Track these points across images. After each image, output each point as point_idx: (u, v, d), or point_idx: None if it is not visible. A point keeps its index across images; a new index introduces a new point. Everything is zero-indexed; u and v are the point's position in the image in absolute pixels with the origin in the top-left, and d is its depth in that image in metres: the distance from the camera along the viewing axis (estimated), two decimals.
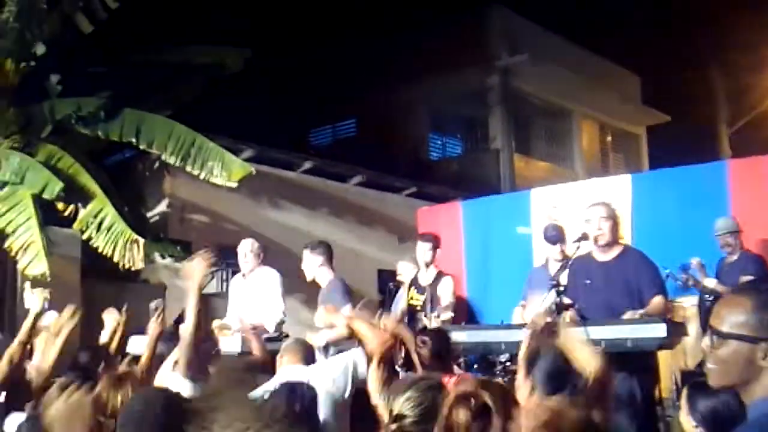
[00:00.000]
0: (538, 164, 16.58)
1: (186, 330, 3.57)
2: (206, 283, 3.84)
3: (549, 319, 3.99)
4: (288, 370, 3.84)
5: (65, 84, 9.27)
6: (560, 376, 3.19)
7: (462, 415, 2.22)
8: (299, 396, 3.11)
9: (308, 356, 4.07)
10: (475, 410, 2.22)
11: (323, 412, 3.57)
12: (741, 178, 6.40)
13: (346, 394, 3.78)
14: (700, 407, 2.79)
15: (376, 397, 3.33)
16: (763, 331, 1.75)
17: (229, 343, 5.67)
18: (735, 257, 5.93)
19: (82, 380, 3.40)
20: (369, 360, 3.71)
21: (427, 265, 6.48)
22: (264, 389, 3.46)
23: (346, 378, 3.77)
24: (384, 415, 2.98)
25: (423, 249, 6.50)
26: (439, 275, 6.44)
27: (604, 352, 4.27)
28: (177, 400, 2.58)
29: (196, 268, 3.69)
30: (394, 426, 2.55)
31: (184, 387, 3.44)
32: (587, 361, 3.24)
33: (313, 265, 5.89)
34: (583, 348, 3.36)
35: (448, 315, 6.09)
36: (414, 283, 6.56)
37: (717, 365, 1.82)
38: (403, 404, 2.57)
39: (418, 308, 6.33)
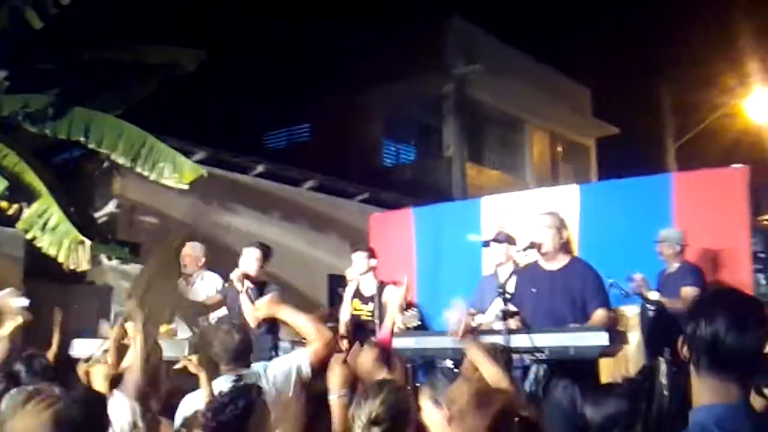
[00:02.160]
0: (490, 173, 16.77)
1: (135, 362, 3.53)
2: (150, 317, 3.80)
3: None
4: (230, 377, 3.80)
5: (12, 80, 9.06)
6: None
7: None
8: (247, 396, 3.10)
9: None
10: None
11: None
12: (685, 191, 6.56)
13: (293, 393, 3.78)
14: (601, 409, 3.02)
15: (334, 395, 3.35)
16: (686, 341, 1.84)
17: (174, 348, 5.63)
18: (674, 269, 6.08)
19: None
20: (314, 358, 3.72)
21: (363, 274, 6.53)
22: (216, 388, 3.45)
23: (290, 379, 3.76)
24: (339, 412, 3.01)
25: (359, 259, 6.56)
26: (382, 285, 6.49)
27: (548, 358, 4.39)
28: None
29: (132, 310, 3.67)
30: (375, 429, 2.60)
31: (125, 407, 3.42)
32: (495, 379, 3.38)
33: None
34: (488, 365, 3.50)
35: (415, 322, 6.16)
36: (356, 294, 6.60)
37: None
38: (379, 407, 2.61)
39: (365, 317, 6.38)
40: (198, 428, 2.86)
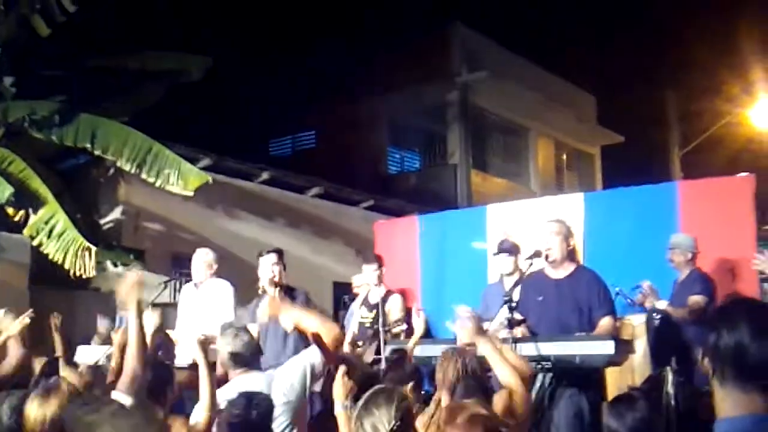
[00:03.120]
0: (495, 180, 16.77)
1: (131, 351, 3.49)
2: (143, 300, 3.76)
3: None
4: (244, 378, 3.80)
5: (19, 86, 9.11)
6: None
7: None
8: (255, 406, 3.11)
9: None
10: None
11: (283, 419, 3.57)
12: (691, 198, 6.54)
13: (306, 396, 3.79)
14: (625, 420, 3.01)
15: (339, 406, 3.34)
16: (705, 347, 1.82)
17: (179, 355, 5.63)
18: (685, 276, 6.03)
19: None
20: (324, 356, 3.71)
21: (377, 285, 6.58)
22: (222, 398, 3.45)
23: (305, 381, 3.75)
24: (346, 423, 3.01)
25: (369, 271, 6.60)
26: (388, 293, 6.53)
27: (554, 367, 4.38)
28: None
29: (130, 287, 3.61)
30: None
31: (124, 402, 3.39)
32: (507, 377, 3.47)
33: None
34: (500, 364, 3.57)
35: (399, 328, 6.15)
36: (364, 302, 6.66)
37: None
38: (394, 415, 2.62)
39: (366, 325, 6.41)
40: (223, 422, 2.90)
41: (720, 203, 6.33)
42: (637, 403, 3.14)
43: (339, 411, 3.34)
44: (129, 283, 3.55)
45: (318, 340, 3.70)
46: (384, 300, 6.41)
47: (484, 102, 16.18)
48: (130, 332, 3.50)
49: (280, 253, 6.02)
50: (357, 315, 6.66)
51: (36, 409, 3.00)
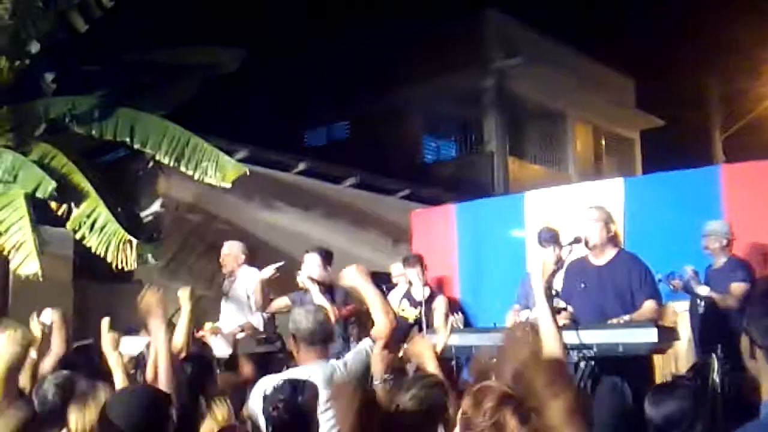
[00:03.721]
0: (532, 167, 16.61)
1: (162, 366, 3.53)
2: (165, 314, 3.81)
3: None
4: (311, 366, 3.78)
5: (59, 83, 9.24)
6: None
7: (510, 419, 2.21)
8: (299, 393, 3.10)
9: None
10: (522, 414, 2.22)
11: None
12: (734, 183, 6.42)
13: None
14: (662, 408, 2.99)
15: (378, 381, 3.33)
16: (749, 327, 1.79)
17: (218, 346, 5.71)
18: (721, 263, 5.93)
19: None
20: (381, 338, 3.69)
21: (421, 284, 6.63)
22: (267, 385, 3.46)
23: (364, 364, 3.74)
24: (383, 399, 3.00)
25: (413, 274, 6.65)
26: (432, 294, 6.58)
27: (596, 356, 4.33)
28: (162, 399, 2.61)
29: (151, 303, 3.68)
30: (397, 420, 2.59)
31: None
32: (556, 343, 3.36)
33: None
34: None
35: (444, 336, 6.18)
36: (407, 295, 6.67)
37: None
38: (409, 401, 2.60)
39: (410, 321, 6.45)
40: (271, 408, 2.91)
41: (765, 186, 6.20)
42: (677, 391, 3.09)
43: (378, 384, 3.33)
44: (150, 302, 3.63)
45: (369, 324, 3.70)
46: (429, 301, 6.47)
47: (520, 88, 16.01)
48: (159, 349, 3.57)
49: (326, 254, 6.12)
50: (396, 306, 6.67)
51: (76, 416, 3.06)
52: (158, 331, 3.62)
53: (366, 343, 3.80)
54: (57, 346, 4.64)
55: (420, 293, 6.52)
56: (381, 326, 3.74)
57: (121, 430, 2.45)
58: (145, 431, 2.49)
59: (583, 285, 4.78)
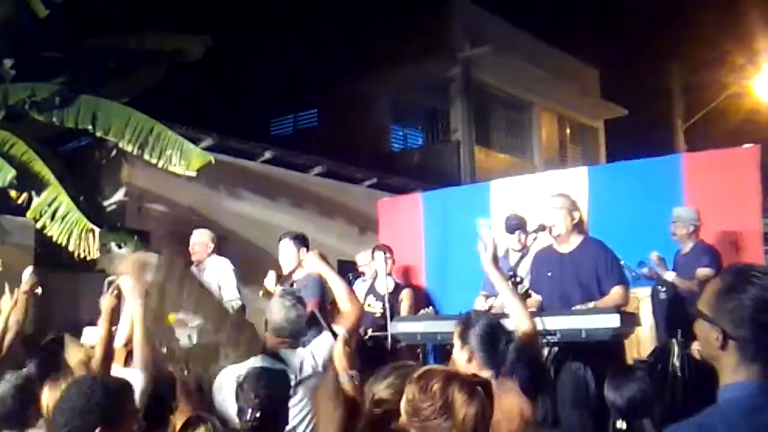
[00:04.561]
0: (498, 156, 16.71)
1: (138, 333, 3.48)
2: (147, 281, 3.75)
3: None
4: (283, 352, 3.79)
5: (19, 69, 9.06)
6: (494, 339, 3.25)
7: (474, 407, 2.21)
8: (275, 381, 3.10)
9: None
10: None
11: (301, 395, 3.58)
12: (696, 171, 6.51)
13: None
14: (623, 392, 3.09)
15: (343, 378, 3.33)
16: (719, 318, 1.80)
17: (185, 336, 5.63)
18: (689, 248, 6.03)
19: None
20: (348, 328, 3.68)
21: (385, 275, 6.56)
22: (234, 373, 3.44)
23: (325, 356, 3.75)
24: (350, 394, 2.99)
25: (380, 259, 6.58)
26: (398, 286, 6.54)
27: (560, 341, 4.38)
28: (116, 387, 2.58)
29: (130, 268, 3.58)
30: (377, 410, 2.57)
31: (137, 379, 3.39)
32: (524, 319, 3.39)
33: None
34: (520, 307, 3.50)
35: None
36: (371, 290, 6.64)
37: (698, 341, 1.91)
38: (385, 390, 2.60)
39: (377, 314, 6.41)
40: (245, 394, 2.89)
41: (725, 175, 6.30)
42: (634, 374, 3.14)
43: (345, 382, 3.33)
44: (134, 265, 3.56)
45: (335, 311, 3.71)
46: (394, 294, 6.43)
47: (486, 77, 16.08)
48: (135, 314, 3.50)
49: (299, 239, 5.92)
50: (362, 300, 6.65)
51: (49, 395, 3.03)
52: (135, 300, 3.52)
53: (328, 334, 3.80)
54: (16, 322, 4.57)
55: (384, 286, 6.49)
56: (347, 312, 3.75)
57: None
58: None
59: (550, 273, 4.83)
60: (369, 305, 6.55)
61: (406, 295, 6.59)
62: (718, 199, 6.25)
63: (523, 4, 17.36)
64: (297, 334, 3.90)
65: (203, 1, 14.77)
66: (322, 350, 3.75)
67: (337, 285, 3.86)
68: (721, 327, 1.78)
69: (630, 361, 5.05)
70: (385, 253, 6.65)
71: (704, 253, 5.89)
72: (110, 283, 4.14)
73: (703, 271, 5.67)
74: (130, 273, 3.55)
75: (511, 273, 4.64)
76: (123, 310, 3.97)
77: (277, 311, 3.86)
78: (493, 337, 3.23)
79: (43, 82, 8.92)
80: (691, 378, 4.55)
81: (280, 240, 5.96)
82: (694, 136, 16.92)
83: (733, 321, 1.78)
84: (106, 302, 4.01)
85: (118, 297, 4.07)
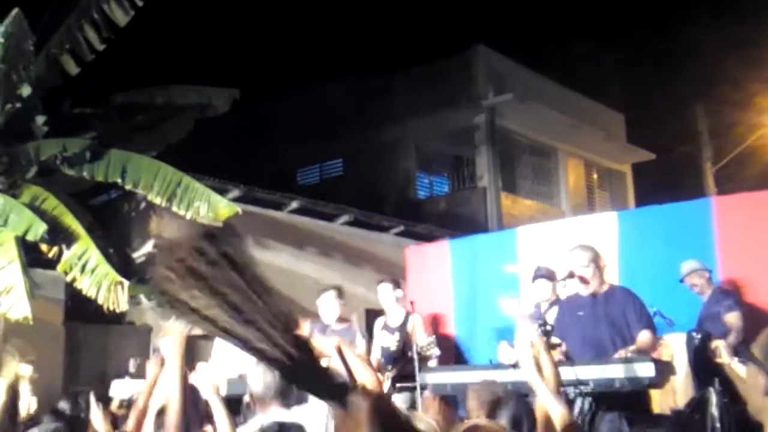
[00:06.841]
0: (525, 202, 16.64)
1: (173, 404, 3.40)
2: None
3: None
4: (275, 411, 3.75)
5: (51, 125, 9.26)
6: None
7: None
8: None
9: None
10: None
11: None
12: (726, 215, 6.41)
13: None
14: None
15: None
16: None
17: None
18: (706, 296, 5.94)
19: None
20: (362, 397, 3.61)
21: (394, 306, 6.61)
22: (255, 427, 3.39)
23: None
24: None
25: (385, 291, 6.60)
26: (407, 315, 6.49)
27: (593, 391, 4.28)
28: None
29: (177, 339, 3.53)
30: None
31: None
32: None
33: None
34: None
35: (431, 351, 6.09)
36: (385, 326, 6.62)
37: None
38: None
39: (392, 349, 6.37)
40: None
41: (757, 218, 6.20)
42: (662, 424, 3.05)
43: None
44: (175, 336, 3.51)
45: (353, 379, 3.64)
46: (405, 323, 6.41)
47: (511, 124, 16.11)
48: (171, 391, 3.44)
49: (338, 291, 6.21)
50: (379, 339, 6.62)
51: None
52: (173, 370, 3.44)
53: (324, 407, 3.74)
54: (25, 395, 4.54)
55: (395, 316, 6.52)
56: (369, 381, 3.65)
57: None
58: None
59: (580, 313, 4.76)
60: (384, 341, 6.54)
61: (416, 322, 6.44)
62: (750, 242, 6.15)
63: (545, 50, 17.49)
64: (279, 395, 3.85)
65: (229, 55, 15.07)
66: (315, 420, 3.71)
67: (355, 365, 3.79)
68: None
69: (667, 411, 4.93)
70: (390, 285, 6.63)
71: (725, 297, 5.81)
72: (155, 351, 4.08)
73: (731, 316, 5.64)
74: (172, 335, 3.50)
75: (540, 322, 4.57)
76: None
77: (254, 381, 3.82)
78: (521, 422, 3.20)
79: (73, 137, 9.09)
80: (731, 428, 4.41)
81: (322, 292, 6.18)
82: (723, 179, 16.77)
83: None
84: (151, 371, 3.88)
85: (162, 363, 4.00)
